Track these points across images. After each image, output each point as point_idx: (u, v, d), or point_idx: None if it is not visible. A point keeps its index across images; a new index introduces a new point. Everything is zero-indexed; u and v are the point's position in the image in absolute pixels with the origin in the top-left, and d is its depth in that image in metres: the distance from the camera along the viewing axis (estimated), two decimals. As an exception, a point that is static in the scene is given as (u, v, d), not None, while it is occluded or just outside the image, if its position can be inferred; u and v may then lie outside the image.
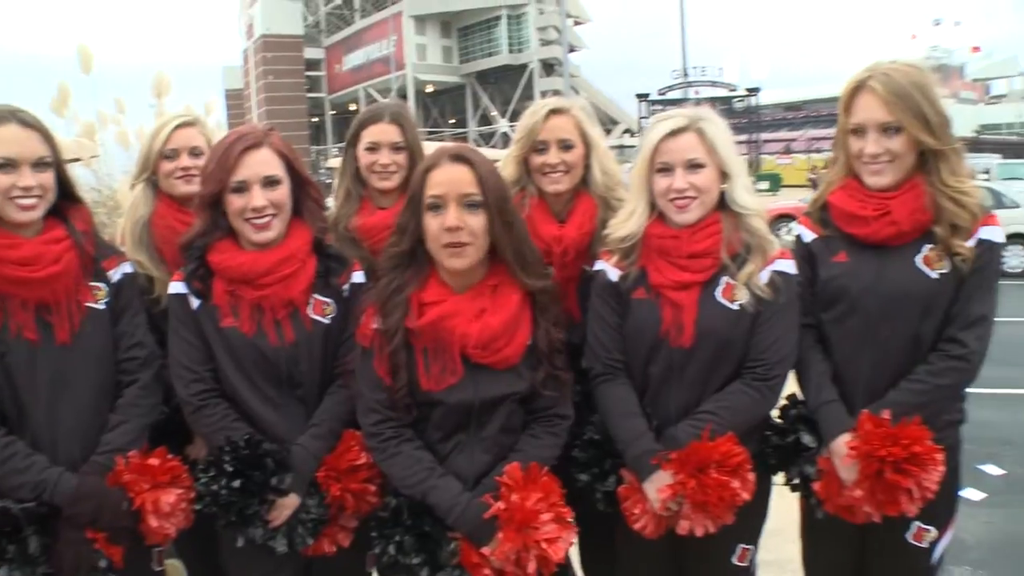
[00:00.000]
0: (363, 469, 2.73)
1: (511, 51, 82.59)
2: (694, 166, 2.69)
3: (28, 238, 2.59)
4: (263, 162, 2.67)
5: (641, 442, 2.72)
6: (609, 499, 2.80)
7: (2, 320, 2.55)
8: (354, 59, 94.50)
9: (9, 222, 2.57)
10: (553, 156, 3.20)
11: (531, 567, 2.45)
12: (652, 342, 2.77)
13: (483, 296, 2.58)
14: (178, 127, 3.32)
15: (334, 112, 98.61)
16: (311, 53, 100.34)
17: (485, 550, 2.47)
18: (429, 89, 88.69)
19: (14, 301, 2.56)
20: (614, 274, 2.85)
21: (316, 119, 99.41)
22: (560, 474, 2.66)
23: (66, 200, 2.72)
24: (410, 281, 2.58)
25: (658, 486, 2.64)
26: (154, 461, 2.67)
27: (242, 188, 2.65)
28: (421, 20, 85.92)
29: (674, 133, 2.72)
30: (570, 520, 2.55)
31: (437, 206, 2.50)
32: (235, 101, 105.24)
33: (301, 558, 2.76)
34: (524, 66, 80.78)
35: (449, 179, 2.50)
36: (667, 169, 2.72)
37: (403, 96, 78.48)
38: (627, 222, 2.84)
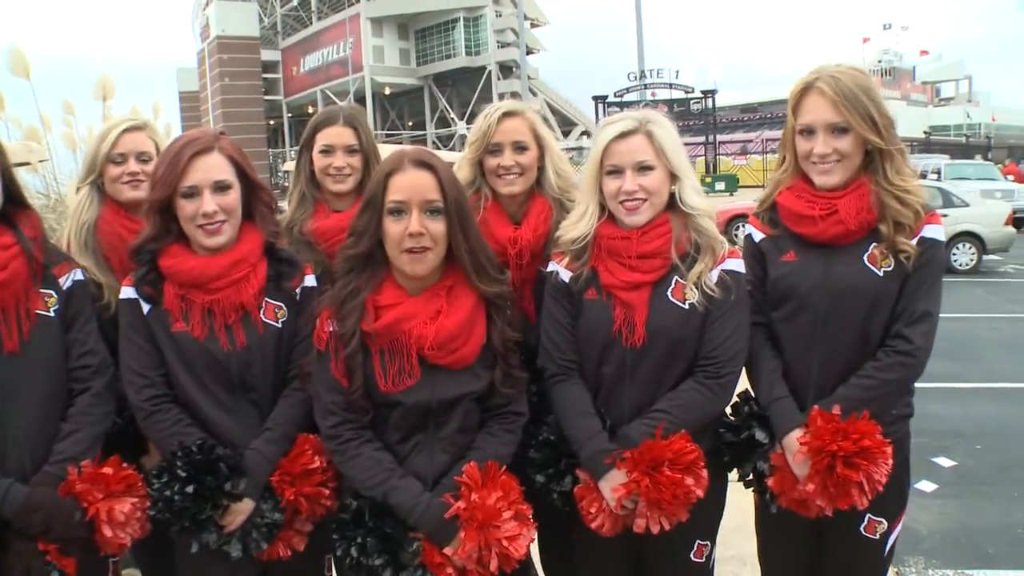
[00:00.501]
0: (317, 473, 2.73)
1: (469, 53, 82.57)
2: (643, 168, 2.72)
3: None
4: (213, 167, 2.66)
5: (595, 442, 2.73)
6: (565, 499, 2.81)
7: None
8: (311, 61, 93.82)
9: None
10: (507, 158, 3.22)
11: (493, 564, 2.47)
12: (604, 342, 2.79)
13: (438, 297, 2.59)
14: (126, 131, 3.27)
15: (291, 115, 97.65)
16: (268, 55, 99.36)
17: (447, 550, 2.48)
18: (387, 91, 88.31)
19: None
20: (566, 275, 2.87)
21: (273, 122, 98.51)
22: (517, 472, 2.68)
23: (14, 205, 2.68)
24: (366, 284, 2.58)
25: (613, 485, 2.67)
26: (108, 470, 2.64)
27: (192, 193, 2.63)
28: (378, 22, 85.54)
29: (623, 135, 2.74)
30: (530, 517, 2.58)
31: (399, 211, 2.50)
32: (190, 103, 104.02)
33: (257, 563, 2.74)
34: (482, 68, 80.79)
35: (412, 184, 2.51)
36: (617, 171, 2.74)
37: (361, 98, 78.18)
38: (578, 224, 2.86)
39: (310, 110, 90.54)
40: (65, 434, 2.67)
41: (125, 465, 2.70)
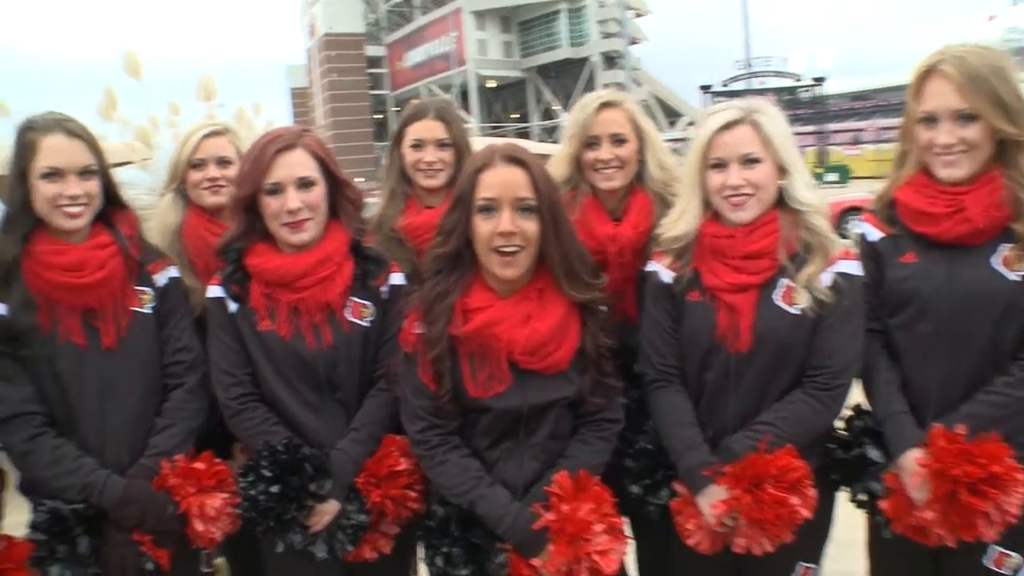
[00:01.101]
0: (403, 475, 2.68)
1: (572, 45, 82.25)
2: (750, 161, 2.54)
3: (75, 244, 2.63)
4: (297, 163, 2.63)
5: (694, 454, 2.59)
6: (662, 512, 2.68)
7: (51, 325, 2.59)
8: (415, 56, 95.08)
9: (57, 229, 2.61)
10: (605, 151, 3.08)
11: None
12: (707, 347, 2.64)
13: (529, 300, 2.50)
14: (206, 136, 3.29)
15: (397, 109, 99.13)
16: (373, 51, 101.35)
17: (535, 562, 2.40)
18: (491, 84, 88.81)
19: (62, 307, 2.60)
20: (667, 275, 2.73)
21: (379, 116, 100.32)
22: (612, 482, 2.57)
23: (113, 206, 2.75)
24: (454, 286, 2.51)
25: (712, 501, 2.52)
26: (200, 465, 2.67)
27: (276, 190, 2.61)
28: (481, 15, 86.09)
29: (728, 126, 2.57)
30: (623, 530, 2.47)
31: (489, 209, 2.42)
32: (300, 99, 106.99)
33: (342, 564, 2.71)
34: (585, 60, 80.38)
35: (503, 181, 2.42)
36: (721, 165, 2.58)
37: (465, 92, 78.87)
38: (679, 221, 2.71)
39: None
40: (159, 429, 2.71)
41: (217, 461, 2.73)
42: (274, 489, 2.53)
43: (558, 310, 2.50)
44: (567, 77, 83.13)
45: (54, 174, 2.56)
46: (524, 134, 74.18)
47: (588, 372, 2.54)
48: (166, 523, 2.60)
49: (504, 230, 2.39)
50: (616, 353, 2.64)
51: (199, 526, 2.62)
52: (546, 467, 2.54)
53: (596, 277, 2.59)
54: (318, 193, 2.67)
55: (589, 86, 75.92)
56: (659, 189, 3.14)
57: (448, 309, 2.48)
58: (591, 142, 3.10)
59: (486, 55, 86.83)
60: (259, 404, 2.70)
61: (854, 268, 2.58)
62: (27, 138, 2.59)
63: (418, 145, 3.34)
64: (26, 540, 2.51)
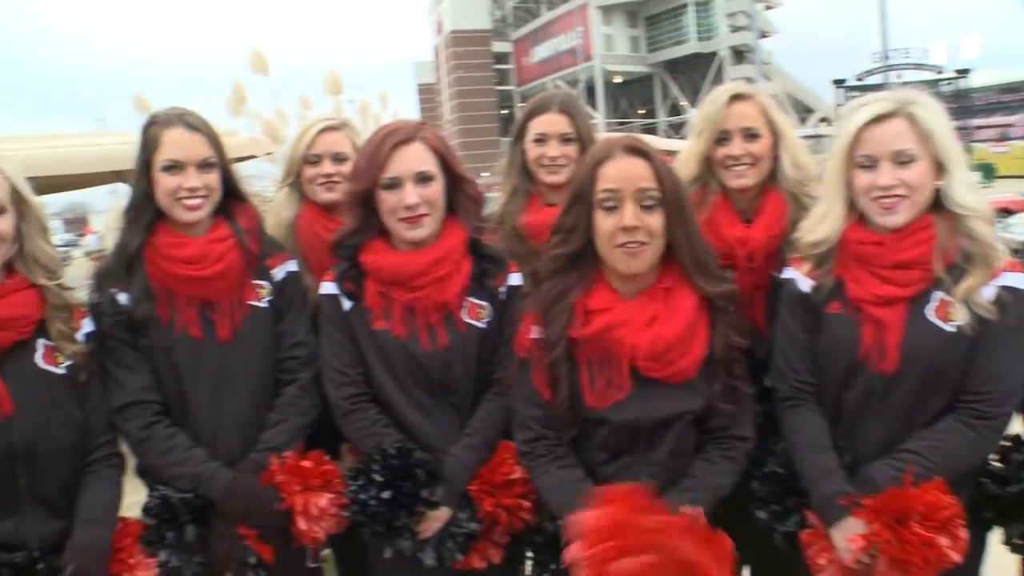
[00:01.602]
0: (518, 484, 2.58)
1: (700, 39, 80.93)
2: (904, 158, 2.29)
3: (195, 237, 2.67)
4: (415, 158, 2.56)
5: (830, 481, 2.37)
6: (790, 541, 2.48)
7: (169, 316, 2.63)
8: (542, 51, 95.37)
9: (178, 222, 2.65)
10: (737, 147, 2.88)
11: None
12: (848, 365, 2.41)
13: (655, 301, 2.35)
14: (322, 131, 3.26)
15: (523, 104, 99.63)
16: (499, 47, 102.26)
17: None
18: (617, 80, 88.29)
19: (180, 298, 2.63)
20: (805, 284, 2.51)
21: (506, 111, 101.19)
22: (733, 503, 2.41)
23: (233, 199, 2.77)
24: (574, 286, 2.39)
25: (848, 535, 2.29)
26: (307, 463, 2.65)
27: (394, 184, 2.54)
28: (607, 10, 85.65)
29: (879, 119, 2.33)
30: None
31: (611, 203, 2.28)
32: (427, 96, 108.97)
33: (450, 572, 2.63)
34: (713, 54, 78.92)
35: (624, 173, 2.29)
36: (870, 163, 2.34)
37: (591, 87, 78.68)
38: (821, 224, 2.48)
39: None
40: (271, 423, 2.72)
41: (325, 460, 2.70)
42: (385, 495, 2.48)
43: (686, 312, 2.34)
44: (694, 72, 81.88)
45: (174, 167, 2.60)
46: (650, 130, 73.33)
47: (718, 376, 2.38)
48: (271, 519, 2.59)
49: (628, 224, 2.25)
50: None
51: (303, 524, 2.59)
52: (666, 486, 2.37)
53: (724, 272, 2.44)
54: (436, 188, 2.60)
55: (717, 81, 74.17)
56: (794, 189, 2.92)
57: (567, 310, 2.36)
58: (721, 137, 2.91)
59: (612, 50, 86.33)
60: (371, 405, 2.64)
61: (1021, 281, 2.30)
62: (150, 132, 2.64)
63: (541, 140, 3.23)
64: (139, 521, 2.56)
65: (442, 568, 2.58)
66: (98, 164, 5.35)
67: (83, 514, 2.42)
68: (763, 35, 74.19)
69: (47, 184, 5.15)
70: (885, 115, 2.32)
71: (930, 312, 2.31)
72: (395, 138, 2.55)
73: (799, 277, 2.53)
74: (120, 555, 2.42)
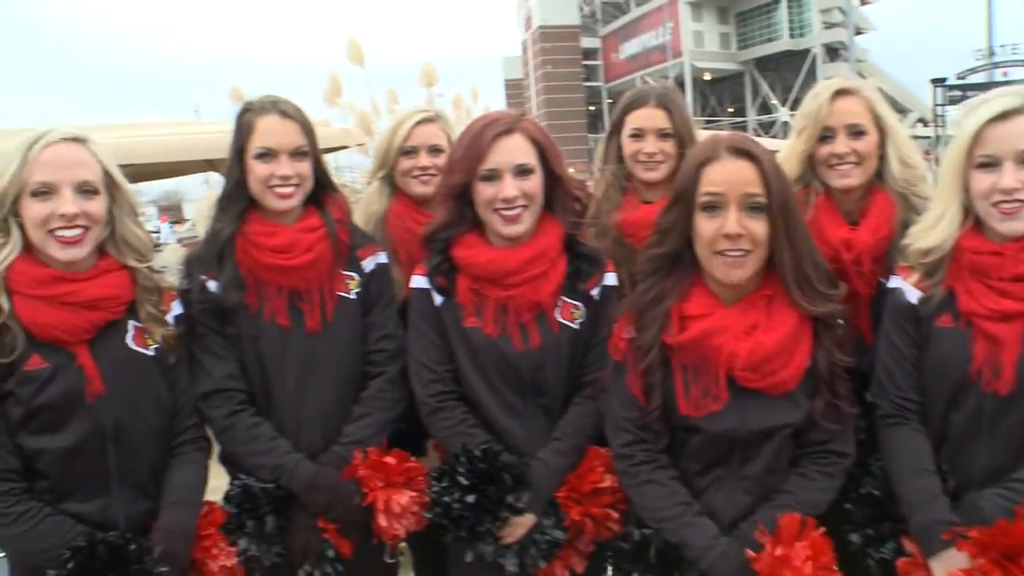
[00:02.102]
0: (607, 493, 2.52)
1: (792, 36, 78.94)
2: None
3: (285, 226, 2.67)
4: (516, 149, 2.51)
5: (932, 508, 2.23)
6: (885, 568, 2.34)
7: (258, 305, 2.64)
8: (630, 48, 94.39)
9: (269, 210, 2.66)
10: (841, 144, 2.75)
11: None
12: (958, 383, 2.26)
13: (756, 309, 2.24)
14: (418, 123, 3.22)
15: (611, 101, 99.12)
16: (587, 43, 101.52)
17: None
18: (706, 77, 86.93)
19: (270, 287, 2.64)
20: (913, 295, 2.37)
21: (593, 108, 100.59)
22: (824, 522, 2.27)
23: (324, 189, 2.77)
24: (671, 290, 2.30)
25: (950, 568, 2.14)
26: (391, 460, 2.63)
27: (492, 176, 2.49)
28: (697, 6, 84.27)
29: (1004, 116, 2.17)
30: None
31: (714, 207, 2.18)
32: (515, 91, 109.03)
33: None
34: (806, 51, 76.91)
35: (730, 176, 2.17)
36: (992, 163, 2.18)
37: (680, 84, 77.72)
38: (932, 230, 2.33)
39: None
40: (355, 417, 2.70)
41: (409, 458, 2.68)
42: (470, 499, 2.45)
43: (788, 321, 2.22)
44: (786, 70, 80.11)
45: (267, 154, 2.61)
46: (740, 128, 72.08)
47: (820, 394, 2.25)
48: (351, 513, 2.59)
49: (730, 231, 2.14)
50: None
51: (383, 521, 2.58)
52: (759, 502, 2.28)
53: (833, 287, 2.29)
54: (535, 182, 2.53)
55: (809, 79, 72.91)
56: (902, 189, 2.79)
57: (663, 315, 2.28)
58: (825, 135, 2.78)
59: (702, 47, 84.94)
60: (458, 403, 2.60)
61: None
62: (244, 119, 2.66)
63: (638, 135, 3.15)
64: (223, 509, 2.58)
65: (523, 574, 2.53)
66: (191, 152, 5.42)
67: (170, 496, 2.46)
68: (858, 32, 72.24)
69: (143, 172, 5.27)
70: (1012, 111, 2.16)
71: None
72: (495, 129, 2.49)
73: (906, 287, 2.39)
74: (204, 541, 2.45)
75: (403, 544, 3.58)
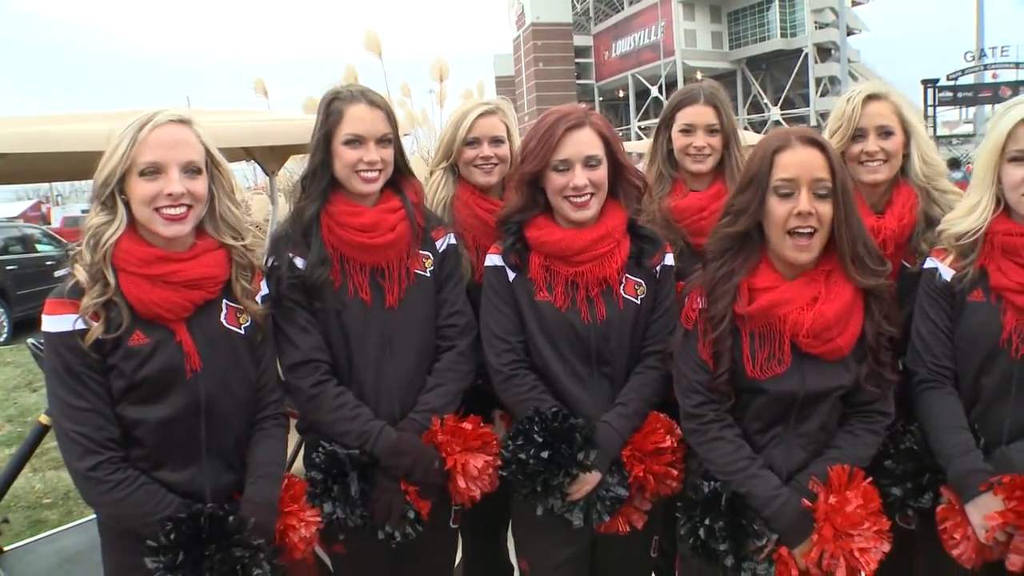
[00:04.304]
0: (667, 452, 2.72)
1: (784, 36, 78.95)
2: None
3: (369, 207, 2.82)
4: (585, 142, 2.70)
5: (968, 459, 2.47)
6: (923, 517, 2.58)
7: (341, 281, 2.77)
8: (622, 46, 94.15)
9: (353, 192, 2.79)
10: (872, 144, 2.99)
11: (840, 574, 2.32)
12: (989, 350, 2.50)
13: (816, 283, 2.47)
14: (481, 115, 3.36)
15: (602, 99, 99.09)
16: (580, 40, 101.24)
17: (796, 551, 2.38)
18: (698, 76, 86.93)
19: (353, 264, 2.78)
20: (947, 273, 2.62)
21: (585, 106, 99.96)
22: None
23: (400, 174, 2.91)
24: (740, 267, 2.50)
25: (986, 512, 2.39)
26: (467, 426, 2.79)
27: (564, 167, 2.69)
28: (690, 5, 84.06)
29: None
30: (888, 533, 2.39)
31: (787, 190, 2.38)
32: (506, 88, 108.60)
33: (590, 535, 2.79)
34: (798, 51, 76.92)
35: (802, 162, 2.38)
36: (1023, 158, 2.43)
37: (672, 83, 77.75)
38: (967, 217, 2.59)
39: (621, 94, 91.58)
40: (430, 387, 2.85)
41: (483, 424, 2.83)
42: (544, 454, 2.62)
43: (845, 294, 2.44)
44: (778, 69, 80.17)
45: (356, 141, 2.74)
46: (730, 127, 72.01)
47: (865, 360, 2.47)
48: (432, 476, 2.73)
49: (803, 209, 2.35)
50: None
51: (462, 483, 2.73)
52: (813, 457, 2.50)
53: (882, 264, 2.51)
54: (602, 172, 2.73)
55: (800, 79, 73.07)
56: (923, 183, 3.04)
57: (733, 288, 2.48)
58: (857, 135, 3.02)
59: (695, 46, 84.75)
60: (529, 372, 2.79)
61: None
62: (334, 106, 2.78)
63: (688, 130, 3.36)
64: (306, 479, 2.69)
65: (586, 529, 2.72)
66: (227, 140, 5.46)
67: (256, 470, 2.56)
68: (850, 32, 72.24)
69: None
70: None
71: None
72: (567, 122, 2.69)
73: (942, 268, 2.63)
74: (286, 516, 2.54)
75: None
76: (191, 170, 2.39)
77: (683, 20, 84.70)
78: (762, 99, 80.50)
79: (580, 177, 2.67)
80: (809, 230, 2.37)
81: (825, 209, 2.37)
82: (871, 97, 3.03)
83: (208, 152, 2.46)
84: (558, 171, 2.69)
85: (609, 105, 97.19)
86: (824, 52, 74.89)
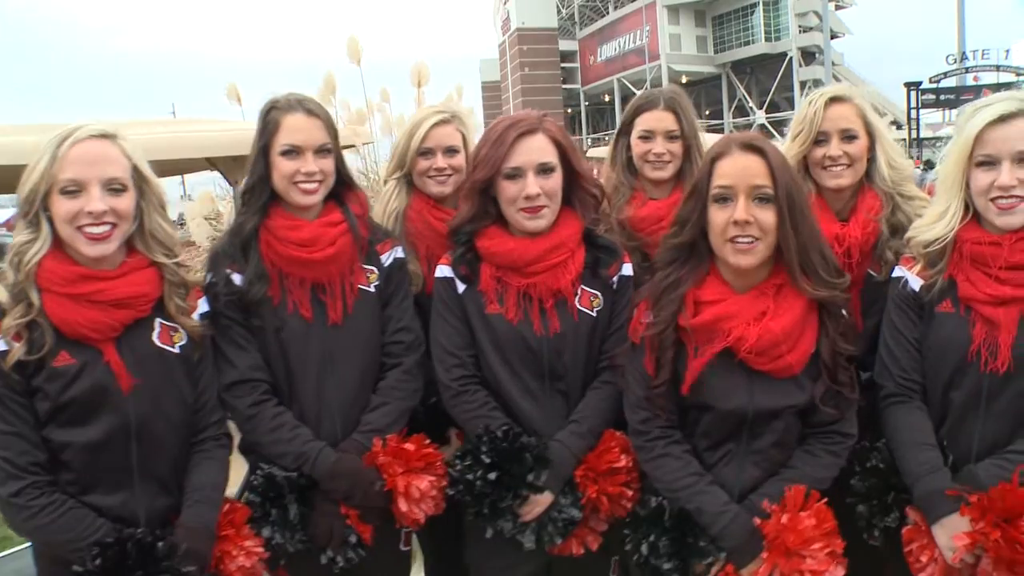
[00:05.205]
0: (622, 472, 2.63)
1: (768, 39, 79.34)
2: None
3: (308, 220, 2.72)
4: (537, 148, 2.61)
5: (935, 478, 2.37)
6: (888, 537, 2.48)
7: (281, 297, 2.68)
8: (608, 50, 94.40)
9: (292, 205, 2.70)
10: (835, 148, 2.91)
11: None
12: (957, 363, 2.40)
13: (765, 296, 2.37)
14: (434, 125, 3.23)
15: (588, 103, 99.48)
16: (565, 45, 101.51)
17: (744, 571, 2.30)
18: (683, 80, 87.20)
19: (293, 280, 2.69)
20: (916, 283, 2.52)
21: (571, 110, 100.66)
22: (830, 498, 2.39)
23: (343, 185, 2.82)
24: (687, 277, 2.43)
25: (953, 532, 2.28)
26: (410, 446, 2.69)
27: (516, 175, 2.59)
28: (675, 10, 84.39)
29: (1004, 119, 2.31)
30: (842, 555, 2.31)
31: (725, 198, 2.32)
32: (492, 93, 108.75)
33: (545, 556, 2.68)
34: (782, 55, 77.31)
35: (739, 169, 2.31)
36: (991, 162, 2.33)
37: (657, 87, 77.99)
38: (935, 224, 2.48)
39: (607, 99, 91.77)
40: (374, 406, 2.76)
41: (427, 443, 2.73)
42: (492, 476, 2.53)
43: (796, 309, 2.34)
44: (762, 73, 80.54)
45: (293, 151, 2.65)
46: (716, 131, 72.38)
47: (821, 379, 2.37)
48: (372, 499, 2.64)
49: (739, 219, 2.27)
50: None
51: (404, 506, 2.64)
52: (767, 476, 2.42)
53: (838, 275, 2.40)
54: (556, 180, 2.64)
55: (785, 82, 73.37)
56: (889, 188, 2.96)
57: (678, 299, 2.40)
58: (820, 139, 2.94)
59: (679, 50, 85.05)
60: (480, 387, 2.70)
61: None
62: (271, 116, 2.69)
63: (647, 136, 3.28)
64: (244, 503, 2.60)
65: (539, 551, 2.62)
66: (193, 150, 5.32)
67: (193, 494, 2.48)
68: (833, 36, 72.60)
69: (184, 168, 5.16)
70: (1010, 115, 2.30)
71: None
72: (518, 129, 2.59)
73: (910, 276, 2.53)
74: (223, 541, 2.47)
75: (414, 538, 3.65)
76: (114, 187, 2.32)
77: (668, 24, 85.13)
78: (747, 103, 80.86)
79: (532, 185, 2.57)
80: (748, 239, 2.28)
81: (766, 216, 2.28)
82: (834, 99, 2.95)
83: (135, 168, 2.38)
84: (510, 179, 2.59)
85: (595, 109, 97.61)
86: (808, 56, 75.33)
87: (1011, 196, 2.29)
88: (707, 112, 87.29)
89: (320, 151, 2.69)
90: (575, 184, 2.71)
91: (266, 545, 2.57)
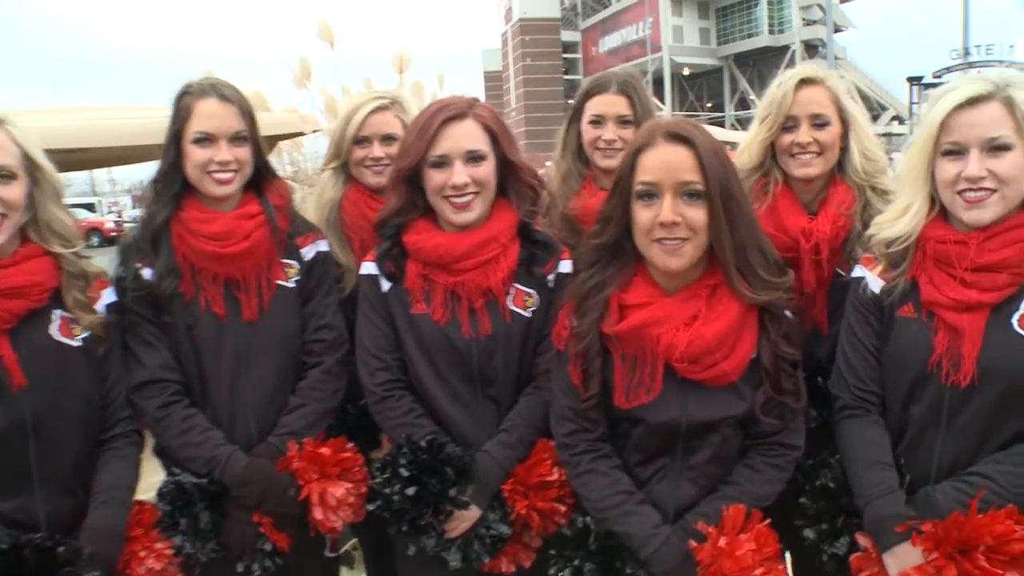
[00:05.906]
0: (555, 486, 2.44)
1: (771, 32, 79.27)
2: (997, 147, 2.04)
3: (223, 213, 2.59)
4: (465, 135, 2.42)
5: (887, 502, 2.16)
6: (838, 564, 2.28)
7: (193, 293, 2.55)
8: (610, 41, 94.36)
9: (207, 196, 2.57)
10: (804, 134, 2.71)
11: None
12: (917, 374, 2.18)
13: (698, 299, 2.15)
14: (372, 112, 3.07)
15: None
16: (567, 36, 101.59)
17: None
18: (686, 72, 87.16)
19: (205, 275, 2.56)
20: (876, 285, 2.30)
21: (572, 101, 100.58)
22: (776, 517, 2.21)
23: (264, 175, 2.69)
24: (611, 279, 2.22)
25: (904, 565, 2.08)
26: (326, 451, 2.57)
27: (442, 163, 2.41)
28: (678, 1, 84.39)
29: (971, 102, 2.07)
30: None
31: (650, 195, 2.09)
32: (494, 83, 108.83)
33: (477, 572, 2.51)
34: (785, 48, 77.18)
35: (664, 163, 2.07)
36: (957, 151, 2.09)
37: (659, 79, 77.90)
38: (898, 220, 2.25)
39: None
40: (291, 408, 2.65)
41: (348, 447, 2.62)
42: (410, 491, 2.37)
43: (731, 312, 2.13)
44: (765, 66, 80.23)
45: (206, 139, 2.52)
46: (718, 123, 72.20)
47: (762, 387, 2.17)
48: (286, 506, 2.52)
49: (665, 220, 2.05)
50: (800, 367, 2.26)
51: (318, 514, 2.52)
52: (705, 493, 2.22)
53: (779, 274, 2.19)
54: (487, 169, 2.45)
55: (788, 76, 73.28)
56: (862, 181, 2.76)
57: (601, 303, 2.20)
58: (788, 124, 2.74)
59: (682, 42, 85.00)
60: (405, 393, 2.53)
61: None
62: (183, 102, 2.57)
63: (597, 121, 3.09)
64: (154, 507, 2.50)
65: (467, 569, 2.46)
66: (150, 137, 5.19)
67: (99, 494, 2.36)
68: (837, 29, 72.46)
69: (100, 157, 5.06)
70: (978, 98, 2.07)
71: (1015, 322, 2.08)
72: (445, 113, 2.41)
73: (870, 277, 2.32)
74: (130, 543, 2.36)
75: (354, 540, 3.50)
76: (3, 176, 2.20)
77: (671, 16, 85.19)
78: (749, 95, 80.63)
79: (460, 174, 2.38)
80: (676, 241, 2.07)
81: (695, 215, 2.06)
82: (804, 81, 2.75)
83: (27, 155, 2.26)
84: (436, 167, 2.40)
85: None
86: (811, 49, 75.30)
87: (980, 188, 2.06)
88: (709, 104, 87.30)
89: (235, 139, 2.54)
90: (510, 174, 2.52)
91: (177, 554, 2.43)
